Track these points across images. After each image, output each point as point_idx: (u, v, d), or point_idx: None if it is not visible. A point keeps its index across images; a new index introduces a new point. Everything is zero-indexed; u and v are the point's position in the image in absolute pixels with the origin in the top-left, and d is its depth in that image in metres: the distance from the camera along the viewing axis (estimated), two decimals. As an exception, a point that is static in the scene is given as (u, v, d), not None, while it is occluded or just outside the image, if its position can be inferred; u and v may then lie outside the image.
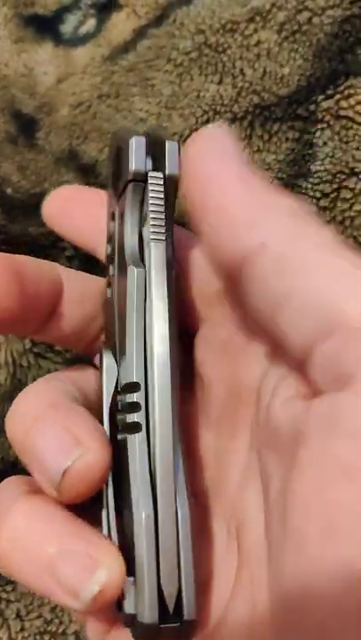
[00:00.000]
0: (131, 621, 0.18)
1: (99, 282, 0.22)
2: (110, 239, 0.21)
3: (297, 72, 0.27)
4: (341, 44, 0.28)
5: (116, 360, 0.19)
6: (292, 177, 0.25)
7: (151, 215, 0.18)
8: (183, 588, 0.18)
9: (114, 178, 0.21)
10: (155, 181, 0.18)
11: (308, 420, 0.16)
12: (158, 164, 0.19)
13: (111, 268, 0.20)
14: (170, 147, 0.18)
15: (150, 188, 0.18)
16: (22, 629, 0.25)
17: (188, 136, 0.28)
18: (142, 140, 0.19)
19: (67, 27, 0.38)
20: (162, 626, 0.17)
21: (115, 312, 0.19)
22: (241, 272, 0.16)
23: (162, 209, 0.18)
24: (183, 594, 0.17)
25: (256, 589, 0.18)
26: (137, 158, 0.18)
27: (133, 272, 0.18)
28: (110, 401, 0.19)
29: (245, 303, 0.17)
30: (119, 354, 0.19)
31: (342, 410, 0.15)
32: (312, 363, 0.16)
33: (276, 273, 0.16)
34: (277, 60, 0.28)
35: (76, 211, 0.22)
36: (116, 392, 0.19)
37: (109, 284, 0.21)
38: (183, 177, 0.18)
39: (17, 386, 0.24)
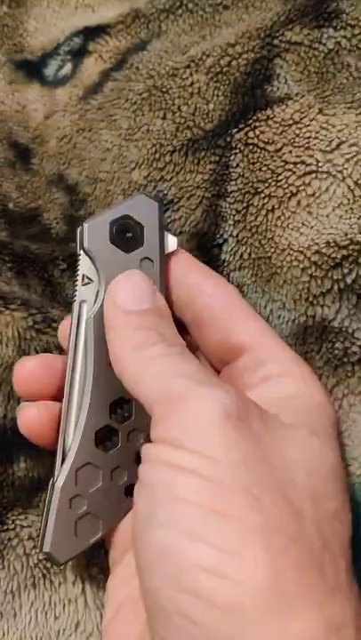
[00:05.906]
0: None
1: None
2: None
3: (218, 107, 0.36)
4: (253, 80, 0.36)
5: None
6: (215, 197, 0.34)
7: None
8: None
9: None
10: None
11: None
12: None
13: None
14: None
15: None
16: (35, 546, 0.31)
17: (142, 164, 0.37)
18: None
19: (49, 70, 0.46)
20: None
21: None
22: None
23: None
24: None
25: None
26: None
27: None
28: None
29: None
30: None
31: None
32: None
33: None
34: (205, 97, 0.36)
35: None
36: None
37: None
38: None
39: (21, 355, 0.32)
